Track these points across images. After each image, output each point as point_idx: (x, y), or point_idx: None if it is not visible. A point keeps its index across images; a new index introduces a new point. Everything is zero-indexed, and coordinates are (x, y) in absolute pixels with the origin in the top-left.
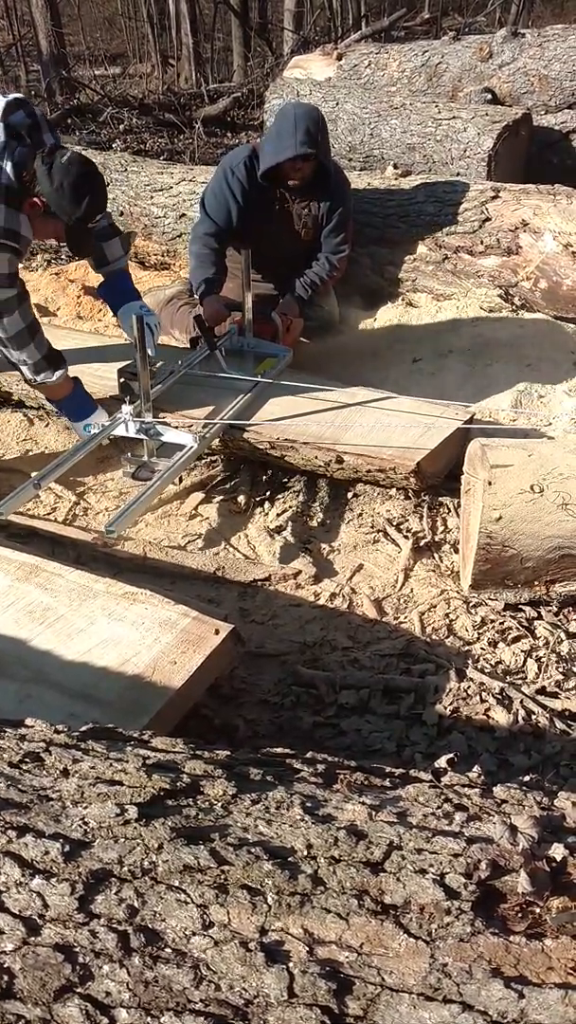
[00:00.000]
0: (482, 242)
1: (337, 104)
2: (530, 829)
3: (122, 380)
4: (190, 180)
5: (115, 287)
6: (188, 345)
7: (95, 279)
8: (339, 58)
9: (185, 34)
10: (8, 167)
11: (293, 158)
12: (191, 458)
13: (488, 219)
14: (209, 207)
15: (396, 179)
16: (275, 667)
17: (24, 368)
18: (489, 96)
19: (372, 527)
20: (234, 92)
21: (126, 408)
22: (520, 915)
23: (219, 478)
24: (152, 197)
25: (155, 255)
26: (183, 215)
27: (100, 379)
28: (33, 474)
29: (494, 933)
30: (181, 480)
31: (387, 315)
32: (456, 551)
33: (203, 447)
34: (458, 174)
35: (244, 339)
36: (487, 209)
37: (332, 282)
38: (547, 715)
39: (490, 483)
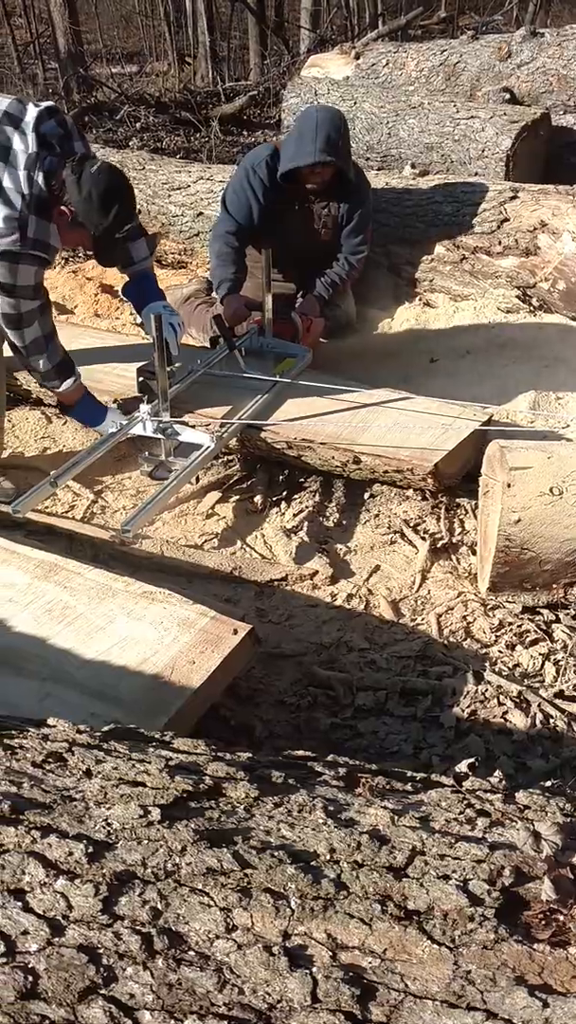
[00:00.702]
0: (500, 243)
1: (355, 103)
2: (554, 836)
3: (141, 379)
4: (207, 179)
5: (139, 287)
6: (207, 344)
7: (112, 278)
8: (357, 57)
9: (202, 32)
10: (39, 178)
11: (312, 164)
12: (208, 458)
13: (506, 219)
14: (230, 205)
15: (414, 179)
16: (292, 668)
17: (34, 374)
18: (508, 96)
19: (389, 528)
20: (250, 90)
21: (144, 407)
22: (544, 923)
23: (236, 477)
24: (169, 196)
25: (172, 254)
26: (200, 214)
27: (120, 378)
28: (52, 472)
29: (518, 941)
30: (198, 480)
31: (404, 315)
32: (474, 553)
33: (220, 447)
34: (476, 174)
35: (264, 339)
36: (505, 209)
37: (350, 282)
38: (565, 719)
39: (509, 485)
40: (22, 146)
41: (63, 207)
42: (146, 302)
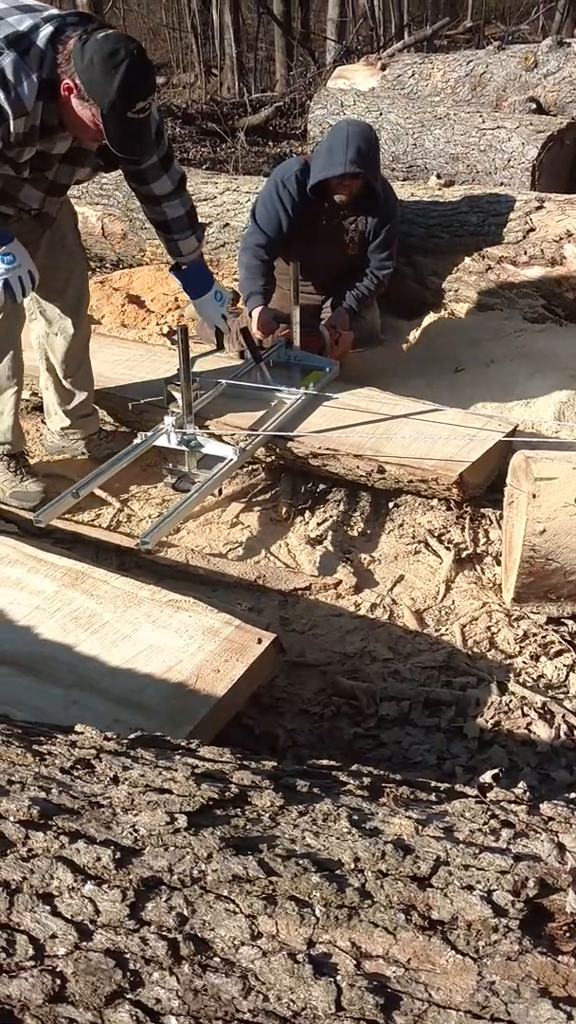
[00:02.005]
0: (526, 252)
1: (381, 114)
2: None
3: (167, 391)
4: (234, 190)
5: (188, 276)
6: (233, 354)
7: (140, 288)
8: (383, 68)
9: (228, 44)
10: (46, 30)
11: (341, 175)
12: (231, 471)
13: (532, 229)
14: (260, 218)
15: (439, 189)
16: (315, 677)
17: None
18: (534, 105)
19: (413, 538)
20: (276, 101)
21: (168, 419)
22: (568, 935)
23: (260, 487)
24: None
25: None
26: (227, 224)
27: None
28: (78, 481)
29: (542, 952)
30: (221, 492)
31: (429, 325)
32: (498, 563)
33: (243, 460)
34: (502, 184)
35: (291, 352)
36: (531, 219)
37: (378, 293)
38: None
39: (534, 496)
40: (50, 9)
41: (70, 81)
42: (197, 293)
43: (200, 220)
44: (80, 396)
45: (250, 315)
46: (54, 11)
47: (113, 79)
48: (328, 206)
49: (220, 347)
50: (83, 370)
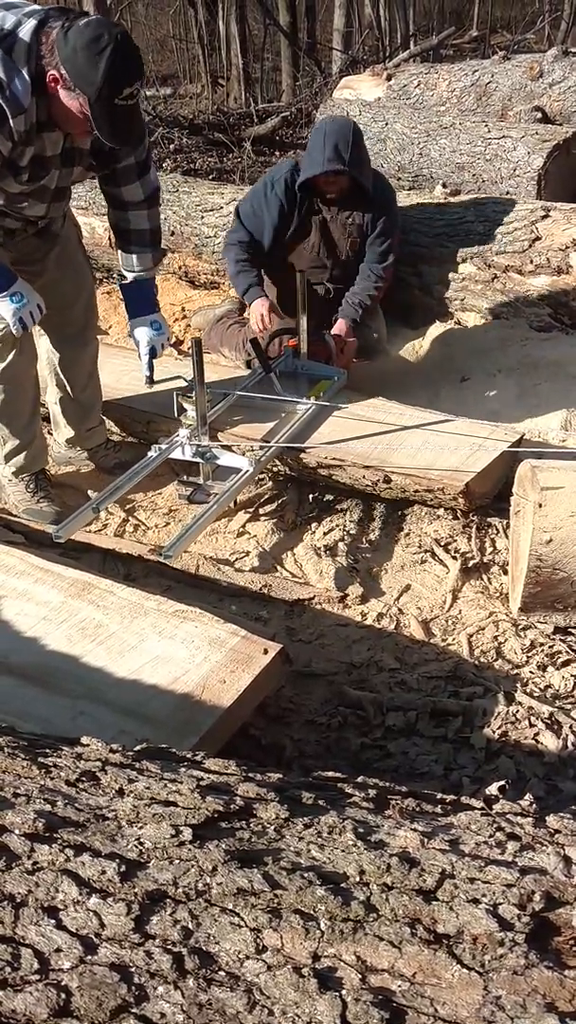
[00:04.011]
0: (532, 261)
1: (386, 124)
2: None
3: (178, 403)
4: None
5: (132, 293)
6: (240, 364)
7: None
8: (388, 78)
9: (235, 55)
10: (28, 24)
11: (324, 173)
12: (247, 481)
13: (538, 238)
14: (244, 216)
15: (445, 198)
16: (322, 687)
17: None
18: (539, 115)
19: (420, 547)
20: (283, 111)
21: (182, 431)
22: (575, 949)
23: (267, 496)
24: (203, 217)
25: (205, 274)
26: None
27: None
28: (92, 494)
29: (548, 967)
30: (236, 502)
31: (435, 334)
32: (505, 572)
33: (259, 470)
34: (507, 193)
35: (298, 361)
36: (537, 228)
37: (380, 294)
38: None
39: (541, 505)
40: (31, 4)
41: (55, 72)
42: (135, 313)
43: (207, 230)
44: (88, 408)
45: (250, 306)
46: (35, 6)
47: (98, 65)
48: (323, 203)
49: (150, 381)
50: (92, 383)
